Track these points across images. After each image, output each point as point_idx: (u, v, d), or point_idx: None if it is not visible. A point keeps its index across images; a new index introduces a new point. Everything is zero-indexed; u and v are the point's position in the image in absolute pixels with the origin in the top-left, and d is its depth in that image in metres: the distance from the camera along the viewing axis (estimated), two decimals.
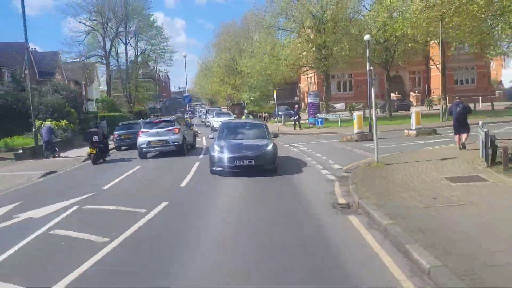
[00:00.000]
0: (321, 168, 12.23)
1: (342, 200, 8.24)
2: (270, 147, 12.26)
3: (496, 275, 4.25)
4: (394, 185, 8.76)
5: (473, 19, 19.72)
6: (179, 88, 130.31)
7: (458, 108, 12.79)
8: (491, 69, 56.22)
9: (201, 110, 70.50)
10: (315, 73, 43.62)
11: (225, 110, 48.13)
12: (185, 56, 43.42)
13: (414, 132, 19.24)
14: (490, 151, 9.59)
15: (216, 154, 12.16)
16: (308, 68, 38.72)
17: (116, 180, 12.24)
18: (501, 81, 58.21)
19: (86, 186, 11.58)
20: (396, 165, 11.05)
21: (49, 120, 24.40)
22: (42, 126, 21.89)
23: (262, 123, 15.61)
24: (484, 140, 9.91)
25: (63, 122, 25.12)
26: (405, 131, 19.99)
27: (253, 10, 45.13)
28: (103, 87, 58.69)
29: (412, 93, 54.05)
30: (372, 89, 11.76)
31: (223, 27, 62.84)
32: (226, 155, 11.90)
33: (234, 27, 60.17)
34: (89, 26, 44.64)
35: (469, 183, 8.44)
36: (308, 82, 54.64)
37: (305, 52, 32.92)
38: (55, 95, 27.50)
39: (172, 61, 66.11)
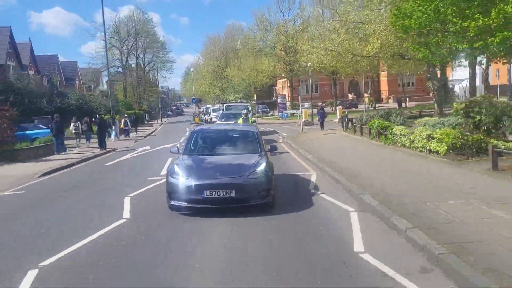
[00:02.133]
0: (277, 134, 25.23)
1: (282, 143, 21.20)
2: (261, 168, 7.81)
3: (327, 159, 17.29)
4: (303, 138, 21.84)
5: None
6: (167, 89, 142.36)
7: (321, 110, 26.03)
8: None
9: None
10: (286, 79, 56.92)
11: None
12: (192, 70, 55.84)
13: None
14: (344, 124, 22.86)
15: (178, 180, 7.61)
16: (280, 77, 51.83)
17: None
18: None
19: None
20: (305, 133, 24.22)
21: (119, 115, 36.95)
22: (118, 118, 34.23)
23: (253, 129, 10.00)
24: (343, 119, 23.18)
25: (118, 117, 37.62)
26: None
27: (236, 30, 58.61)
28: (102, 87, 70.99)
29: (365, 94, 67.91)
30: (300, 98, 24.87)
31: (209, 38, 75.58)
32: (191, 182, 7.43)
33: (219, 40, 72.83)
34: (109, 43, 56.78)
35: (329, 135, 21.64)
36: (282, 86, 67.85)
37: (277, 67, 46.06)
38: (104, 98, 40.01)
39: (173, 69, 78.04)
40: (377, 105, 50.16)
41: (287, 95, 53.90)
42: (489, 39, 10.44)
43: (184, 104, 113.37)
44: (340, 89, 65.50)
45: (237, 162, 8.14)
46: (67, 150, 19.99)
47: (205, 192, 7.26)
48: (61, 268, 5.15)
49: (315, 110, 31.21)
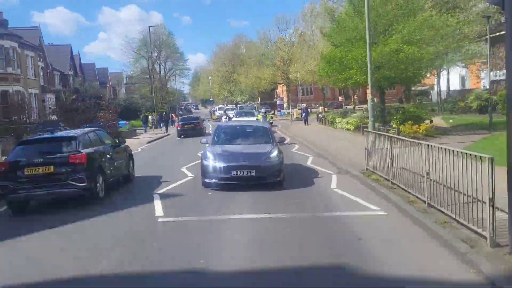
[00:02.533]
0: (276, 127, 37.13)
1: (278, 131, 33.05)
2: (274, 154, 10.26)
3: (301, 136, 29.15)
4: (291, 128, 33.72)
5: None
6: (175, 89, 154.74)
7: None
8: None
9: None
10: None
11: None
12: (200, 73, 67.76)
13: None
14: (318, 119, 34.82)
15: (210, 163, 10.04)
16: (279, 83, 63.78)
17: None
18: None
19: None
20: (293, 125, 36.19)
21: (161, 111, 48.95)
22: (159, 115, 46.25)
23: (265, 126, 12.91)
24: (317, 116, 35.13)
25: (155, 114, 49.65)
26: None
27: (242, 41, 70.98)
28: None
29: (353, 97, 79.67)
30: (297, 99, 36.74)
31: (218, 47, 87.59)
32: (221, 164, 9.85)
33: (227, 48, 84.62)
34: (138, 54, 68.95)
35: (308, 126, 33.63)
36: (282, 89, 79.77)
37: (276, 75, 57.96)
38: (142, 100, 52.04)
39: (189, 75, 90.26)
40: (361, 106, 62.06)
41: (285, 98, 65.59)
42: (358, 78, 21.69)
43: (193, 106, 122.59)
44: (332, 92, 77.36)
45: (255, 150, 10.55)
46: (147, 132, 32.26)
47: (232, 171, 9.67)
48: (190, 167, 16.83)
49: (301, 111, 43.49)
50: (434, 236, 5.97)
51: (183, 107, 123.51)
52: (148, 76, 68.36)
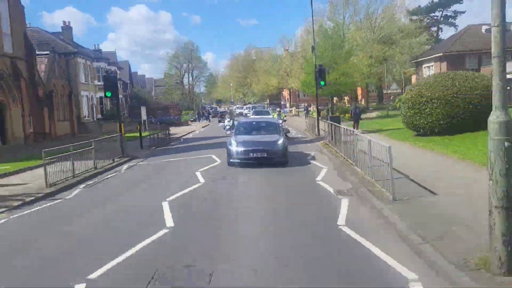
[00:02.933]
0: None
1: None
2: (281, 142, 13.98)
3: (295, 125, 46.64)
4: (291, 120, 51.13)
5: None
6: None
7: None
8: None
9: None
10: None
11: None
12: (231, 85, 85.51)
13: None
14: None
15: (233, 148, 13.83)
16: (283, 88, 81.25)
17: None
18: None
19: None
20: (292, 119, 53.60)
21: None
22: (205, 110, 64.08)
23: (274, 121, 17.65)
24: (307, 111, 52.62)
25: (190, 112, 67.39)
26: None
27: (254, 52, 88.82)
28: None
29: (346, 98, 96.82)
30: (299, 100, 54.13)
31: (232, 55, 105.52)
32: (242, 148, 13.64)
33: (240, 57, 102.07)
34: (171, 64, 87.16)
35: (303, 118, 51.04)
36: (286, 92, 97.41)
37: (281, 82, 75.39)
38: (182, 100, 69.88)
39: (213, 81, 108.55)
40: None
41: (289, 99, 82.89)
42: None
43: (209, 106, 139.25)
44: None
45: (266, 139, 14.36)
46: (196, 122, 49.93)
47: (250, 153, 13.51)
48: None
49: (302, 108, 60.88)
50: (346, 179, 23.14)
51: (207, 107, 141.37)
52: (177, 81, 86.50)
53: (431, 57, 44.71)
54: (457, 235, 5.90)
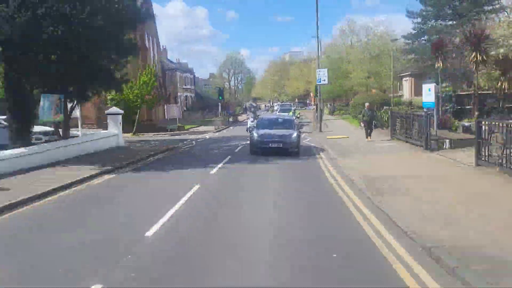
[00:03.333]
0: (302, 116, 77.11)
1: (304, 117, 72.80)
2: (294, 135, 17.23)
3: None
4: (309, 115, 73.87)
5: None
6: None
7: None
8: None
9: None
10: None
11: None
12: (269, 87, 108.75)
13: None
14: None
15: (255, 139, 17.28)
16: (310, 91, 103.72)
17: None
18: None
19: None
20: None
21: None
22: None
23: (291, 118, 21.68)
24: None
25: (237, 108, 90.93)
26: None
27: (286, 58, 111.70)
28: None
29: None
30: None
31: (270, 62, 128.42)
32: (263, 139, 17.09)
33: (276, 64, 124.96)
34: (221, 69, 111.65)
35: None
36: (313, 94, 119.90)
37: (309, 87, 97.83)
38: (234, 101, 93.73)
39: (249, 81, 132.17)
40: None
41: (313, 98, 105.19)
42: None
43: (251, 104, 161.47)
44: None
45: (282, 133, 17.51)
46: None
47: (269, 144, 16.92)
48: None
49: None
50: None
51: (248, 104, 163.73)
52: (225, 83, 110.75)
53: (406, 73, 66.12)
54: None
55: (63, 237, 7.41)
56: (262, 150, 16.97)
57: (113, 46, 17.06)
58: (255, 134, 17.64)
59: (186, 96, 68.95)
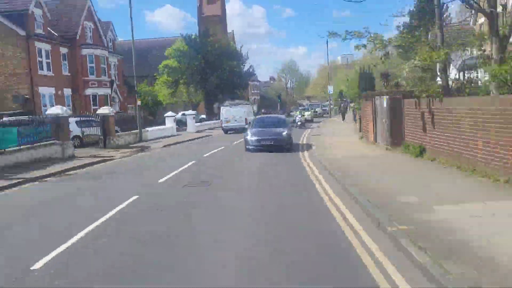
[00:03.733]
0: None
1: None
2: (285, 133, 18.18)
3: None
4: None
5: None
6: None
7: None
8: None
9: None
10: None
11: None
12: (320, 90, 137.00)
13: None
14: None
15: (248, 137, 18.23)
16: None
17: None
18: None
19: None
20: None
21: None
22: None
23: (283, 117, 23.68)
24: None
25: (292, 107, 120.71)
26: None
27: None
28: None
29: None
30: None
31: (320, 65, 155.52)
32: (255, 138, 17.96)
33: (324, 68, 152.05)
34: (280, 75, 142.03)
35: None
36: None
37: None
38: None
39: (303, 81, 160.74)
40: None
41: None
42: None
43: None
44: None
45: (274, 130, 18.48)
46: None
47: (261, 141, 17.77)
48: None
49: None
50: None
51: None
52: (285, 87, 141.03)
53: None
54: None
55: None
56: (255, 148, 18.22)
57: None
58: (248, 133, 18.87)
59: (254, 98, 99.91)
